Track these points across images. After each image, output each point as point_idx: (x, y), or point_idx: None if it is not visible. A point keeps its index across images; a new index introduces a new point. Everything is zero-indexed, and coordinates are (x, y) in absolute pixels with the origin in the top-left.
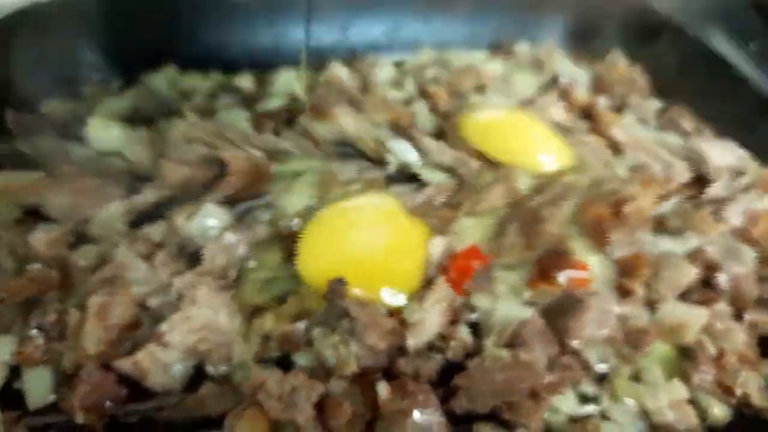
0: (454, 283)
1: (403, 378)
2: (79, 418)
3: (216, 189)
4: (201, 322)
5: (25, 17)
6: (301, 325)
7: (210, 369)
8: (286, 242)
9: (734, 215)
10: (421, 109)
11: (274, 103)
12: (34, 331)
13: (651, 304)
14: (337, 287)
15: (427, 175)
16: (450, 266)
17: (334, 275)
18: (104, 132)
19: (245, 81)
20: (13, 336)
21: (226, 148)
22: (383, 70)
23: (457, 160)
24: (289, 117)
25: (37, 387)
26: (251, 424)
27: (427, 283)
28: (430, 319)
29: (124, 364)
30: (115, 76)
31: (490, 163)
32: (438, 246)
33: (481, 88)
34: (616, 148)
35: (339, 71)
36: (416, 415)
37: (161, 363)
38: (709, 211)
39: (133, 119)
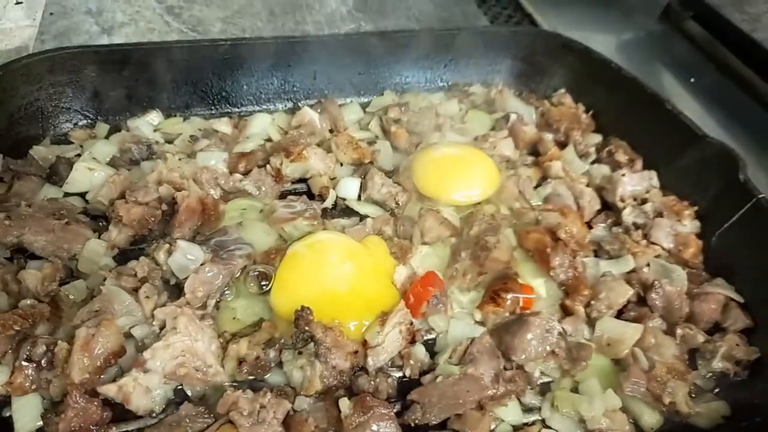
0: (412, 307)
1: (363, 394)
2: None
3: (171, 226)
4: (181, 349)
5: (15, 67)
6: (271, 351)
7: (188, 391)
8: (256, 281)
9: (663, 238)
10: (383, 147)
11: (249, 145)
12: (25, 363)
13: (591, 322)
14: (303, 314)
15: (359, 208)
16: (409, 291)
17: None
18: (88, 175)
19: (223, 125)
20: (3, 367)
21: (192, 188)
22: (351, 112)
23: (387, 195)
24: (264, 158)
25: (26, 414)
26: None
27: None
28: (389, 342)
29: (109, 390)
30: (100, 122)
31: (418, 196)
32: (402, 273)
33: (438, 127)
34: (545, 179)
35: (310, 114)
36: (374, 428)
37: (143, 387)
38: (641, 235)
39: (119, 163)
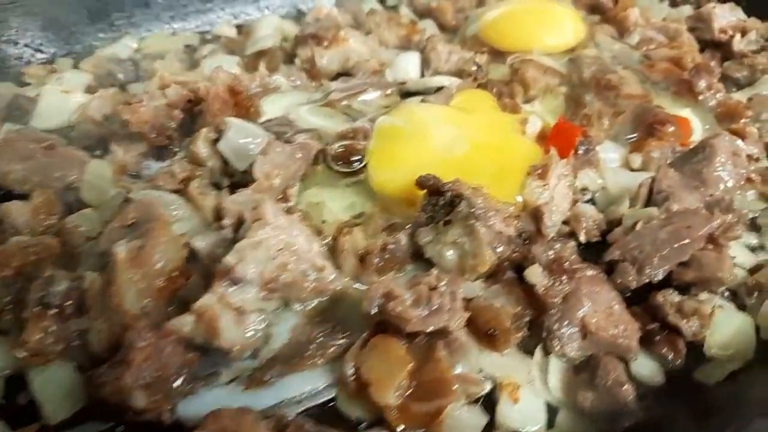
0: (560, 154)
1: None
2: (140, 401)
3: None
4: (277, 246)
5: None
6: (401, 235)
7: (298, 308)
8: (342, 160)
9: None
10: (428, 26)
11: (265, 44)
12: (39, 309)
13: (766, 148)
14: (432, 179)
15: (428, 84)
16: (548, 142)
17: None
18: (63, 100)
19: (226, 28)
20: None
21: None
22: (367, 6)
23: (461, 61)
24: (287, 54)
25: (55, 392)
26: (384, 356)
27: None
28: (559, 197)
29: (183, 324)
30: (60, 57)
31: (497, 54)
32: (536, 124)
33: (481, 2)
34: (624, 29)
35: (327, 7)
36: (589, 295)
37: (235, 310)
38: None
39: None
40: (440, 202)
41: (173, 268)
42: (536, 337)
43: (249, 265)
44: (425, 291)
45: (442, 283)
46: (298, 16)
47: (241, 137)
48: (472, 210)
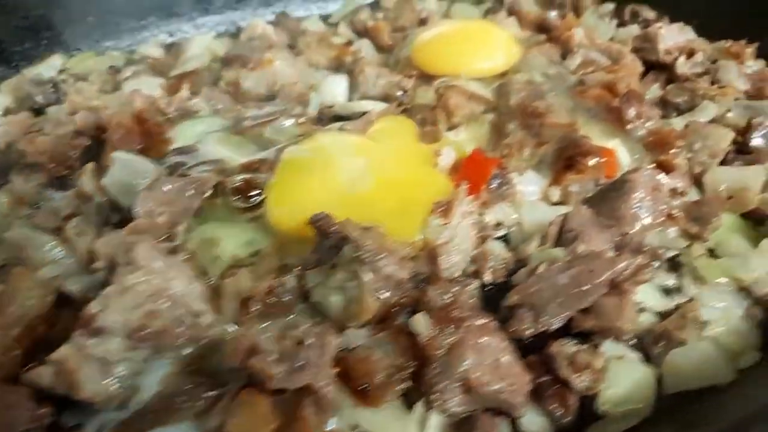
0: (471, 188)
1: (441, 308)
2: None
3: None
4: (148, 293)
5: None
6: (288, 277)
7: (170, 356)
8: (242, 194)
9: (735, 80)
10: (363, 46)
11: (192, 64)
12: None
13: (697, 179)
14: (323, 218)
15: (354, 108)
16: (463, 172)
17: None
18: None
19: (152, 48)
20: None
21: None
22: (311, 23)
23: (388, 85)
24: (214, 76)
25: None
26: (249, 412)
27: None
28: (461, 237)
29: (40, 375)
30: None
31: (425, 80)
32: (450, 156)
33: (423, 21)
34: (568, 50)
35: (262, 25)
36: (476, 347)
37: (96, 361)
38: (708, 81)
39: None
40: (327, 243)
41: (35, 316)
42: (420, 390)
43: (112, 313)
44: (290, 345)
45: (310, 338)
46: (237, 33)
47: (127, 173)
48: (358, 254)
